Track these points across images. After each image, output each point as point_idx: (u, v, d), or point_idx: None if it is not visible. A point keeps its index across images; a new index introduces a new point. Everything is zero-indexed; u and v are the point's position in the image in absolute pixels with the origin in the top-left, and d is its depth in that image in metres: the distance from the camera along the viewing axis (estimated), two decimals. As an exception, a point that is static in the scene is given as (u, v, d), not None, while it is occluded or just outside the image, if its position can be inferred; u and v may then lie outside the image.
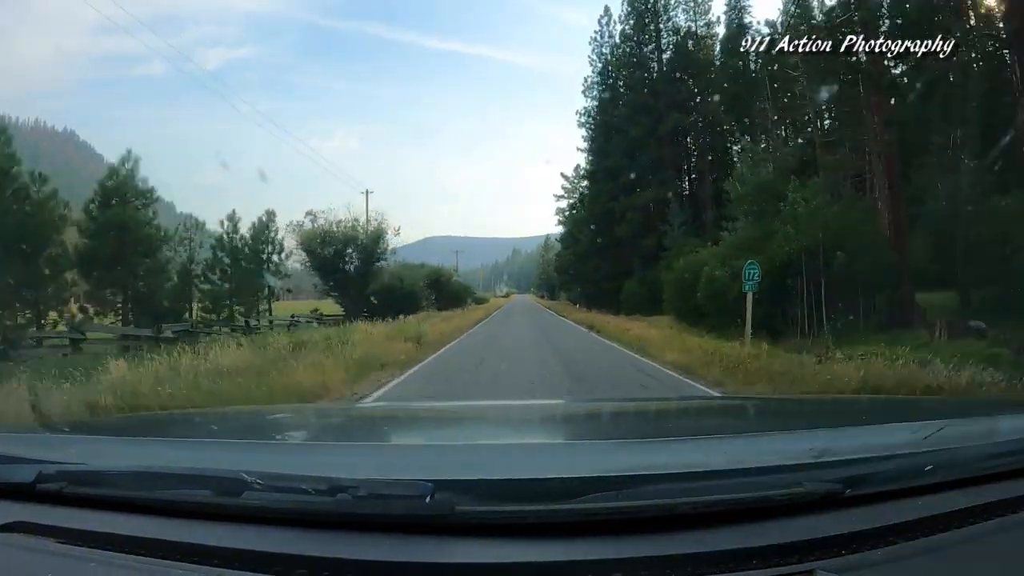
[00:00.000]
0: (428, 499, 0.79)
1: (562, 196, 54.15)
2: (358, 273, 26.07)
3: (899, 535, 0.82)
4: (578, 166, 50.84)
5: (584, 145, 38.09)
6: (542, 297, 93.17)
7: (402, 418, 1.82)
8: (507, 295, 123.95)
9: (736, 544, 0.78)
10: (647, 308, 27.04)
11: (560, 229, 52.56)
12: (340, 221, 25.35)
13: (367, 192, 29.39)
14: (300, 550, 0.79)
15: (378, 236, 25.81)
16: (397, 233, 26.74)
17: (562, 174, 53.55)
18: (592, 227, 35.97)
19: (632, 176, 32.06)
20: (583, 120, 37.45)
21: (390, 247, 26.35)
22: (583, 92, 36.69)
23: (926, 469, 0.90)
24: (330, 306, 26.68)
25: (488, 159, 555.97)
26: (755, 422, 1.65)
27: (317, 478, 0.84)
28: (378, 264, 26.47)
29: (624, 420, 1.74)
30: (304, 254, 24.90)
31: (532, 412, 1.95)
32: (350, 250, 25.63)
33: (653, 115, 32.22)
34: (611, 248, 33.90)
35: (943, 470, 0.91)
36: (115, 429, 1.62)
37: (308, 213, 24.69)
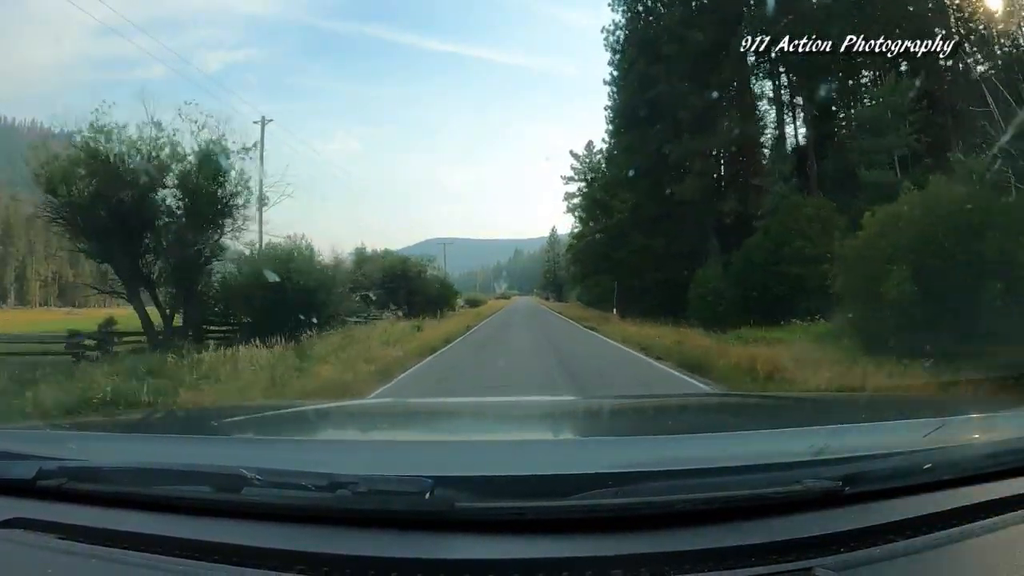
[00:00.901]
0: (428, 495, 0.84)
1: (571, 178, 44.72)
2: (179, 242, 11.02)
3: (898, 533, 0.87)
4: (590, 143, 42.65)
5: (612, 73, 28.14)
6: (547, 299, 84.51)
7: (402, 414, 1.85)
8: (507, 296, 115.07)
9: (735, 541, 0.83)
10: (738, 313, 16.62)
11: (567, 215, 48.78)
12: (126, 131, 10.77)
13: (263, 120, 16.38)
14: (300, 546, 0.84)
15: (209, 158, 11.08)
16: (246, 152, 12.02)
17: (571, 152, 45.86)
18: (631, 190, 25.41)
19: (695, 109, 21.12)
20: (610, 39, 27.36)
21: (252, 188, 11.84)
22: (609, 4, 26.96)
23: (925, 467, 0.95)
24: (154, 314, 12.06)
25: (490, 161, 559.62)
26: (754, 419, 1.68)
27: (317, 474, 0.88)
28: (231, 227, 11.82)
29: (623, 417, 1.77)
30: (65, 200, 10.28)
31: (532, 409, 2.00)
32: (164, 191, 10.96)
33: (721, 15, 21.40)
34: (662, 220, 23.51)
35: (942, 468, 0.97)
36: (115, 426, 1.66)
37: (98, 131, 10.21)
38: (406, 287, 28.98)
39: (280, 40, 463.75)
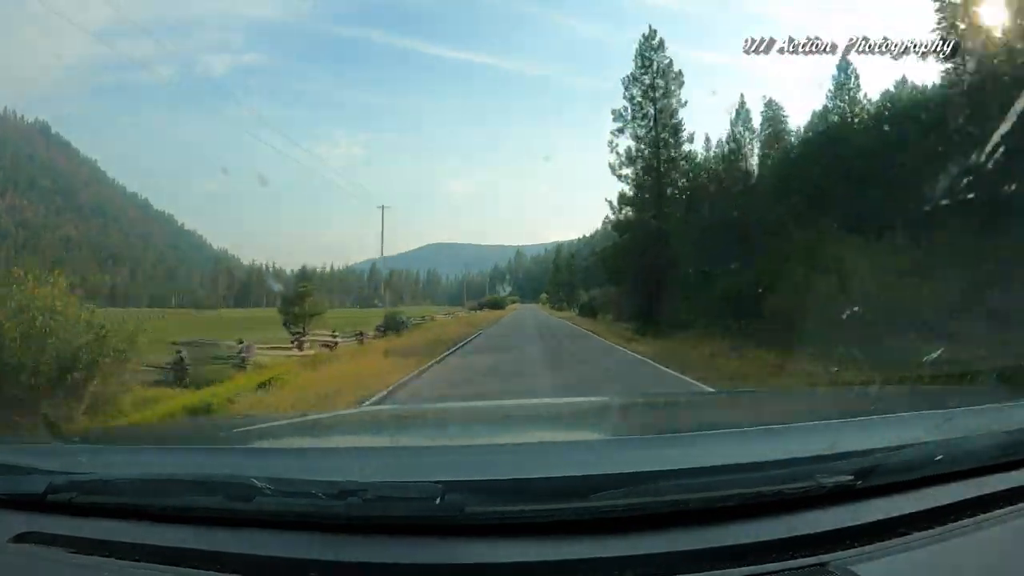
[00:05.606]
0: (438, 501, 0.84)
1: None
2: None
3: (911, 526, 0.87)
4: None
5: None
6: (576, 312, 48.08)
7: (410, 420, 1.86)
8: (500, 306, 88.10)
9: (749, 538, 0.83)
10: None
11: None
12: None
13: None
14: (310, 554, 0.84)
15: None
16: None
17: None
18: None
19: None
20: None
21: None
22: None
23: (937, 459, 0.95)
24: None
25: (492, 166, 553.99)
26: (764, 415, 1.67)
27: (326, 482, 0.88)
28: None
29: (634, 416, 1.78)
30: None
31: (540, 411, 2.02)
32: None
33: None
34: None
35: (955, 459, 0.96)
36: (124, 438, 1.66)
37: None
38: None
39: (284, 45, 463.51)
